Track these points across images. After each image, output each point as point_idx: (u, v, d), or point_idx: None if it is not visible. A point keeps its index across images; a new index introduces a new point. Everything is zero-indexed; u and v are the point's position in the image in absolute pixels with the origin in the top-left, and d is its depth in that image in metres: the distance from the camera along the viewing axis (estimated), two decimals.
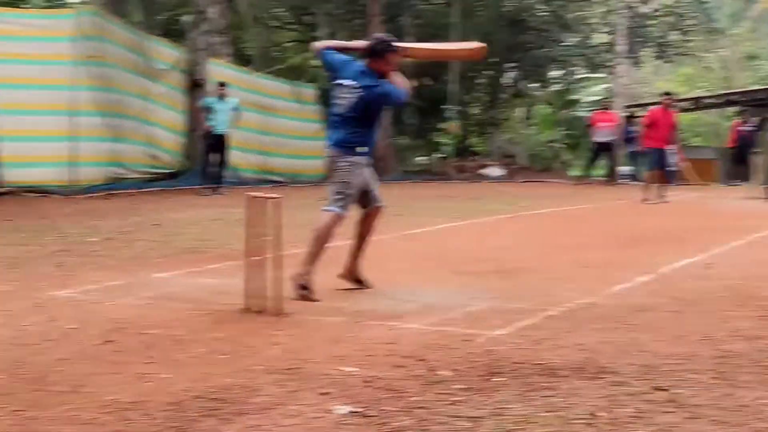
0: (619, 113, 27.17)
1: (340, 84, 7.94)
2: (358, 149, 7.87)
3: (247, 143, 22.87)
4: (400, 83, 7.91)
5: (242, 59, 31.91)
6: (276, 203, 7.01)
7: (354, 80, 7.88)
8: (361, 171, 7.92)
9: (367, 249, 8.19)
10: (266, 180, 23.08)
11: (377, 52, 7.90)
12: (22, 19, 19.75)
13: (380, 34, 8.62)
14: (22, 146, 18.00)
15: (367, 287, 8.13)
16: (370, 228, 8.22)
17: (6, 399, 4.74)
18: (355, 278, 8.18)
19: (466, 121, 33.05)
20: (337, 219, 7.87)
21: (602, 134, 25.47)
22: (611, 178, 26.30)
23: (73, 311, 7.00)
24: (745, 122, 27.98)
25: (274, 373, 5.26)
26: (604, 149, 25.85)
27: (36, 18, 20.63)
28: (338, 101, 7.93)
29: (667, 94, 21.26)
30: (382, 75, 7.88)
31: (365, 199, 8.12)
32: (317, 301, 7.48)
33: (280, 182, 23.23)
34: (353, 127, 7.84)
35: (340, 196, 7.87)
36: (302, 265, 7.70)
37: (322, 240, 7.83)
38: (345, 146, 7.87)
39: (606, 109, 26.56)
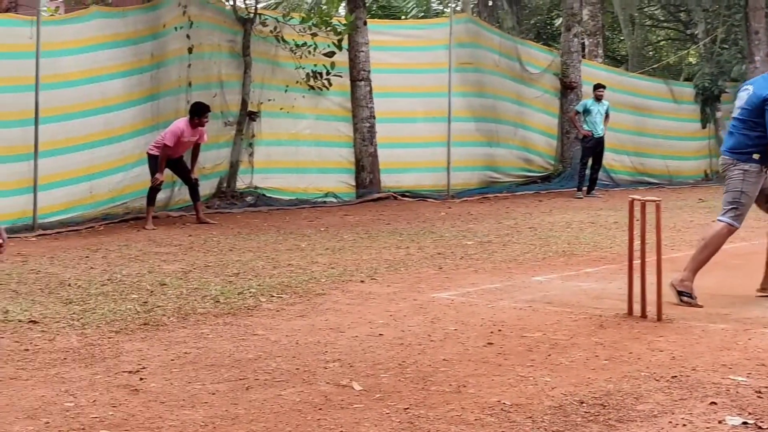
0: None
1: (743, 87, 7.85)
2: (755, 155, 7.54)
3: (621, 145, 22.54)
4: None
5: (615, 60, 31.65)
6: (657, 206, 6.83)
7: (752, 83, 7.76)
8: (757, 179, 7.58)
9: None
10: (642, 182, 22.68)
11: None
12: (399, 30, 20.53)
13: None
14: (400, 152, 18.67)
15: None
16: None
17: (393, 397, 4.90)
18: None
19: None
20: (729, 231, 7.59)
21: None
22: None
23: (454, 313, 7.16)
24: None
25: (658, 380, 5.13)
26: None
27: (412, 28, 21.36)
28: (737, 104, 7.78)
29: None
30: None
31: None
32: (700, 306, 7.24)
33: (656, 184, 22.76)
34: (748, 132, 7.55)
35: (732, 206, 7.58)
36: (685, 271, 7.48)
37: (710, 250, 7.57)
38: (738, 152, 7.59)
39: None
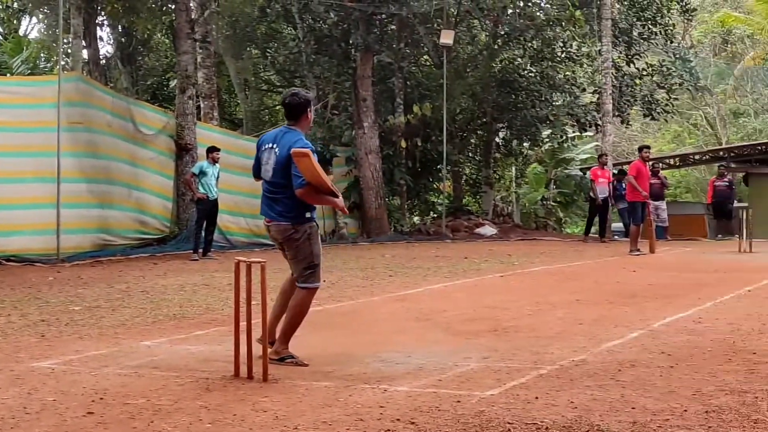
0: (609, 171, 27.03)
1: (265, 146, 7.76)
2: (307, 214, 7.59)
3: (237, 207, 22.78)
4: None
5: (232, 122, 32.05)
6: (262, 267, 6.87)
7: (273, 141, 7.68)
8: (318, 234, 7.69)
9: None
10: (258, 243, 22.93)
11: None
12: (4, 87, 19.69)
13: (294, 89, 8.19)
14: (6, 214, 17.83)
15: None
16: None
17: None
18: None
19: (459, 181, 33.09)
20: (313, 293, 7.68)
21: (601, 190, 25.22)
22: (604, 234, 26.07)
23: (54, 382, 6.82)
24: (721, 177, 28.10)
25: None
26: (602, 205, 25.52)
27: (19, 86, 20.51)
28: (266, 166, 7.68)
29: (647, 147, 21.30)
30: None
31: None
32: (306, 365, 7.33)
33: (272, 245, 23.09)
34: (291, 193, 7.48)
35: (310, 270, 7.61)
36: (279, 342, 7.51)
37: (300, 317, 7.61)
38: (293, 216, 7.55)
39: (603, 165, 26.22)
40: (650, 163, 24.46)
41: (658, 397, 6.08)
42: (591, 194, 25.73)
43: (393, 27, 29.16)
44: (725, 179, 28.09)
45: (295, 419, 5.62)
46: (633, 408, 5.80)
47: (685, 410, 5.73)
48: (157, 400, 6.22)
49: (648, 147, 21.45)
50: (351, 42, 27.36)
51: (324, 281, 7.68)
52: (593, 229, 26.78)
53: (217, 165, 19.32)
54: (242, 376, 6.87)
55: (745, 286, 12.78)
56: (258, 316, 7.06)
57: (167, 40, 32.05)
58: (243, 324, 6.97)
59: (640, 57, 33.02)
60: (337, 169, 27.01)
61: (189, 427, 5.49)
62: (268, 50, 31.94)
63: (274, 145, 7.56)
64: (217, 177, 19.29)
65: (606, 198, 25.19)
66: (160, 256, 19.47)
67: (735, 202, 25.58)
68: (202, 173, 19.10)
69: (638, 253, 19.16)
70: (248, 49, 31.41)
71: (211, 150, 19.51)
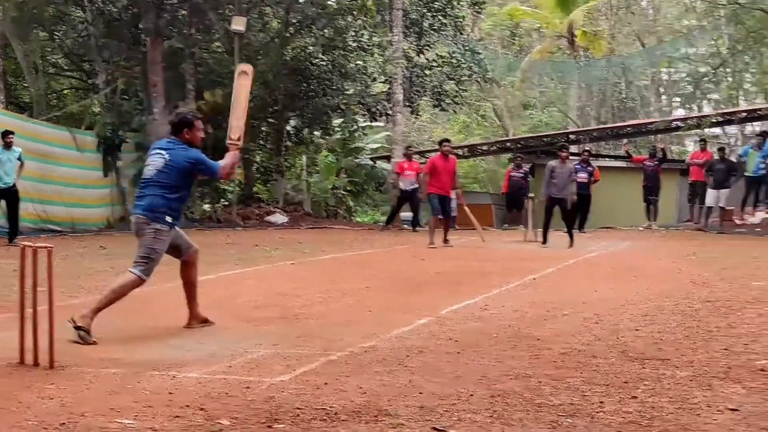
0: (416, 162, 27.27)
1: (151, 149, 8.45)
2: (168, 217, 8.12)
3: (25, 192, 22.05)
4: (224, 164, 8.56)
5: (19, 106, 31.04)
6: (48, 253, 6.79)
7: (164, 148, 8.33)
8: (168, 237, 8.14)
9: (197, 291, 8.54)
10: (45, 229, 22.33)
11: (174, 126, 8.46)
12: None
13: (181, 110, 8.90)
14: None
15: (211, 324, 8.54)
16: (195, 272, 8.53)
17: None
18: (201, 320, 8.52)
19: (250, 169, 32.99)
20: (138, 282, 8.05)
21: (407, 182, 25.34)
22: (417, 224, 26.29)
23: None
24: (517, 168, 28.69)
25: (47, 428, 5.08)
26: (408, 197, 25.71)
27: None
28: (148, 165, 8.30)
29: (446, 141, 21.09)
30: (189, 144, 8.39)
31: (178, 250, 8.39)
32: (95, 343, 7.48)
33: (60, 231, 22.55)
34: (165, 194, 8.13)
35: (144, 261, 8.04)
36: (88, 310, 7.72)
37: (116, 295, 7.97)
38: (152, 213, 8.09)
39: (409, 157, 26.47)
40: None
41: (445, 382, 6.27)
42: (400, 187, 25.77)
43: (184, 12, 28.76)
44: (521, 170, 28.62)
45: (82, 406, 5.58)
46: (421, 393, 5.97)
47: (472, 395, 5.93)
48: None
49: (448, 140, 21.33)
50: (141, 26, 26.94)
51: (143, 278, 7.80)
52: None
53: (15, 149, 18.51)
54: (28, 364, 6.78)
55: (530, 275, 13.16)
56: (44, 302, 6.95)
57: None
58: (29, 310, 6.88)
59: (431, 48, 33.70)
60: (127, 155, 26.55)
61: None
62: (56, 33, 31.03)
63: (164, 152, 8.27)
64: (21, 162, 18.56)
65: (415, 189, 25.28)
66: None
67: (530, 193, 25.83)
68: None
69: (434, 246, 19.14)
70: (35, 31, 30.43)
71: (4, 134, 18.63)
